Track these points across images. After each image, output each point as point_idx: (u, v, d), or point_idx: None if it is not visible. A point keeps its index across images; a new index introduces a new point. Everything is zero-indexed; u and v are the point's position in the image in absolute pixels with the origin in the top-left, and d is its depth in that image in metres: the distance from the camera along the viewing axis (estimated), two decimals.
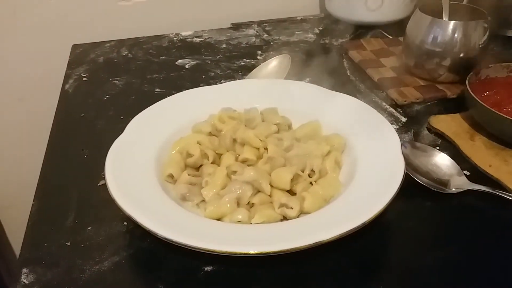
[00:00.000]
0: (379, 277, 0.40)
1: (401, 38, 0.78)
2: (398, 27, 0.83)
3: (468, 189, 0.47)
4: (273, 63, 0.69)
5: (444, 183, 0.48)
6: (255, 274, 0.40)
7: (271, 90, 0.59)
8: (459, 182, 0.48)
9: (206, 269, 0.40)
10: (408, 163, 0.48)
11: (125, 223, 0.45)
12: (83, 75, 0.75)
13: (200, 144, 0.49)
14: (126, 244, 0.43)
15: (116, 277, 0.40)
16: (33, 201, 0.49)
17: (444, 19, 0.66)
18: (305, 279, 0.40)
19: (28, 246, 0.43)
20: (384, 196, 0.40)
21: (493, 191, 0.47)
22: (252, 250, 0.36)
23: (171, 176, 0.47)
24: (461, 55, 0.64)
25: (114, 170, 0.44)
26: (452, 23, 0.63)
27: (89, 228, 0.45)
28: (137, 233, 0.44)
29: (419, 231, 0.45)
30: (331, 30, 0.90)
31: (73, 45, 0.85)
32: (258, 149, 0.49)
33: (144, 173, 0.45)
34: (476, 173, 0.50)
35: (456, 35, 0.64)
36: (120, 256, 0.42)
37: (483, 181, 0.48)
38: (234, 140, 0.51)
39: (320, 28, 0.91)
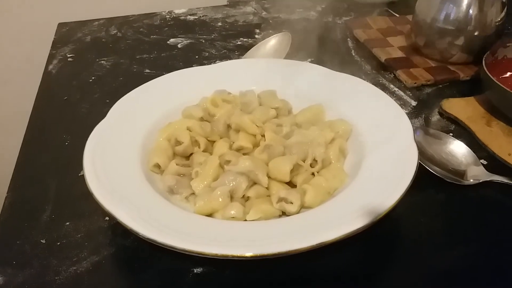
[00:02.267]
0: (389, 278, 0.36)
1: (409, 17, 0.72)
2: (405, 4, 0.78)
3: (486, 180, 0.43)
4: (272, 42, 0.64)
5: (460, 174, 0.43)
6: (250, 277, 0.36)
7: (269, 71, 0.53)
8: (476, 173, 0.44)
9: (195, 271, 0.36)
10: (421, 152, 0.43)
11: (106, 218, 0.41)
12: (68, 55, 0.69)
13: (190, 131, 0.45)
14: (107, 242, 0.39)
15: (94, 279, 0.36)
16: (7, 193, 0.44)
17: None
18: (306, 282, 0.36)
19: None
20: (396, 189, 0.36)
21: None
22: (247, 252, 0.31)
23: (157, 166, 0.42)
24: (476, 33, 0.59)
25: (93, 159, 0.39)
26: None
27: (67, 223, 0.41)
28: (120, 229, 0.39)
29: (432, 226, 0.40)
30: (335, 8, 0.84)
31: (59, 23, 0.79)
32: (255, 136, 0.44)
33: (128, 163, 0.41)
34: (494, 162, 0.46)
35: (471, 11, 0.58)
36: (100, 256, 0.38)
37: (502, 171, 0.44)
38: (228, 126, 0.46)
39: (323, 6, 0.85)
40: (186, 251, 0.32)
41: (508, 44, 0.57)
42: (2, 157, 0.68)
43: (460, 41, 0.60)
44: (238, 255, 0.31)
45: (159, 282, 0.36)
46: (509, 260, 0.37)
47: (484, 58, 0.53)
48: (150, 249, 0.38)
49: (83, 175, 0.39)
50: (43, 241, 0.39)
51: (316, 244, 0.31)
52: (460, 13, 0.59)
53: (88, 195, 0.37)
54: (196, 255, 0.32)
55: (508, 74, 0.55)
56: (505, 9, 0.59)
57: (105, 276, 0.36)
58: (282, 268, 0.36)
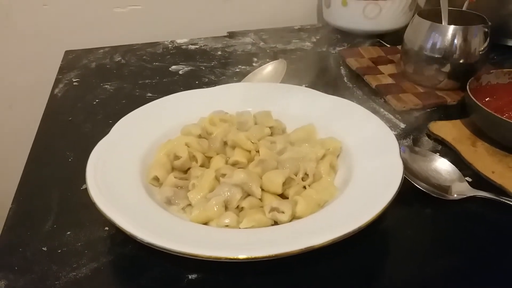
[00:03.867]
0: (376, 287, 0.38)
1: (399, 47, 0.76)
2: (396, 36, 0.82)
3: (470, 196, 0.45)
4: (268, 68, 0.67)
5: (445, 189, 0.45)
6: (243, 283, 0.37)
7: (264, 93, 0.56)
8: (461, 188, 0.46)
9: (190, 277, 0.37)
10: (406, 168, 0.45)
11: (106, 228, 0.42)
12: (74, 80, 0.73)
13: (188, 146, 0.47)
14: (106, 250, 0.40)
15: (93, 284, 0.37)
16: (11, 204, 0.46)
17: (443, 24, 0.64)
18: None
19: (1, 251, 0.41)
20: (381, 200, 0.38)
21: (497, 198, 0.44)
22: (240, 255, 0.33)
23: (156, 179, 0.44)
24: (461, 61, 0.63)
25: (95, 171, 0.41)
26: (451, 27, 0.62)
27: (68, 232, 0.42)
28: (119, 238, 0.41)
29: (419, 239, 0.42)
30: (329, 39, 0.88)
31: (66, 51, 0.83)
32: (250, 152, 0.46)
33: (128, 176, 0.43)
34: (478, 180, 0.48)
35: (456, 40, 0.62)
36: (99, 263, 0.39)
37: (485, 188, 0.46)
38: (225, 143, 0.48)
39: (318, 37, 0.89)
40: (182, 253, 0.33)
41: (491, 71, 0.60)
42: (8, 174, 0.70)
43: (447, 68, 0.63)
44: (232, 257, 0.33)
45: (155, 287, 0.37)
46: (492, 270, 0.39)
47: (468, 83, 0.56)
48: (147, 256, 0.39)
49: (85, 189, 0.41)
50: (44, 249, 0.40)
51: (305, 248, 0.33)
52: (445, 42, 0.62)
53: (89, 207, 0.39)
54: (191, 257, 0.33)
55: (491, 98, 0.57)
56: (488, 39, 0.63)
57: (103, 281, 0.38)
58: (274, 274, 0.38)
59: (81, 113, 0.63)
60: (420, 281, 0.38)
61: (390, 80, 0.68)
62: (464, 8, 0.69)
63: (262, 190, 0.42)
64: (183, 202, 0.42)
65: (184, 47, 0.85)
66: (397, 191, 0.38)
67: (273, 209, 0.39)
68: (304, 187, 0.43)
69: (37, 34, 0.87)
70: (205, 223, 0.40)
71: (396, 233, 0.43)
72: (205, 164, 0.47)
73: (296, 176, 0.43)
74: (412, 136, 0.56)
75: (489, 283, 0.38)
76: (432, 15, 0.65)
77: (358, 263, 0.39)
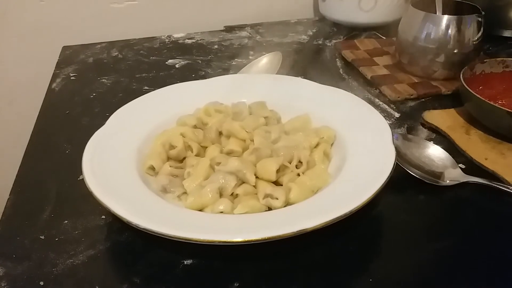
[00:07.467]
0: (369, 271, 0.38)
1: (395, 39, 0.76)
2: (392, 28, 0.82)
3: (463, 182, 0.45)
4: (264, 60, 0.68)
5: (438, 176, 0.46)
6: (237, 268, 0.38)
7: (259, 84, 0.57)
8: (454, 175, 0.46)
9: (185, 263, 0.38)
10: (399, 155, 0.46)
11: (103, 217, 0.43)
12: (71, 75, 0.73)
13: (184, 136, 0.47)
14: (103, 238, 0.41)
15: (90, 270, 0.38)
16: (9, 195, 0.46)
17: (437, 14, 0.64)
18: (291, 273, 0.37)
19: (0, 240, 0.41)
20: (373, 185, 0.38)
21: (490, 183, 0.45)
22: (235, 238, 0.33)
23: (152, 168, 0.45)
24: (455, 51, 0.63)
25: (92, 161, 0.42)
26: (445, 17, 0.62)
27: (66, 221, 0.43)
28: (115, 226, 0.42)
29: (412, 224, 0.43)
30: (325, 32, 0.89)
31: (63, 46, 0.84)
32: (244, 141, 0.47)
33: (124, 165, 0.43)
34: (471, 167, 0.49)
35: (449, 30, 0.62)
36: (95, 250, 0.40)
37: (478, 174, 0.46)
38: (220, 133, 0.49)
39: (314, 30, 0.90)
40: (178, 238, 0.34)
41: (485, 60, 0.60)
42: (7, 166, 0.70)
43: (441, 58, 0.64)
44: (226, 240, 0.33)
45: (150, 273, 0.37)
46: (484, 254, 0.39)
47: (462, 73, 0.56)
48: (143, 243, 0.40)
49: (82, 180, 0.41)
50: (42, 237, 0.41)
51: (298, 231, 0.34)
52: (440, 32, 0.63)
53: (86, 197, 0.40)
54: (186, 242, 0.34)
55: (484, 87, 0.58)
56: (482, 29, 0.63)
57: (99, 267, 0.38)
58: (267, 259, 0.38)
59: (79, 107, 0.64)
60: (413, 264, 0.38)
61: (385, 71, 0.69)
62: None
63: (257, 177, 0.42)
64: (178, 190, 0.42)
65: (180, 41, 0.86)
66: (388, 176, 0.39)
67: (267, 196, 0.40)
68: (298, 175, 0.44)
69: (34, 30, 0.87)
70: (200, 210, 0.40)
71: (390, 218, 0.43)
72: (200, 154, 0.47)
73: (290, 163, 0.44)
74: (407, 125, 0.57)
75: (481, 267, 0.38)
76: (426, 5, 0.66)
77: (352, 247, 0.40)
